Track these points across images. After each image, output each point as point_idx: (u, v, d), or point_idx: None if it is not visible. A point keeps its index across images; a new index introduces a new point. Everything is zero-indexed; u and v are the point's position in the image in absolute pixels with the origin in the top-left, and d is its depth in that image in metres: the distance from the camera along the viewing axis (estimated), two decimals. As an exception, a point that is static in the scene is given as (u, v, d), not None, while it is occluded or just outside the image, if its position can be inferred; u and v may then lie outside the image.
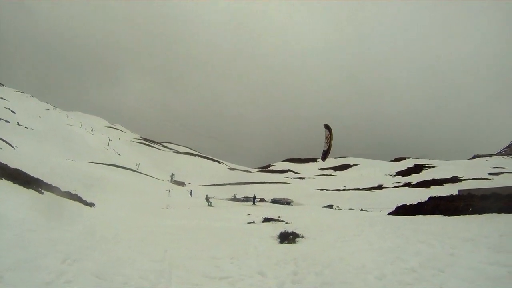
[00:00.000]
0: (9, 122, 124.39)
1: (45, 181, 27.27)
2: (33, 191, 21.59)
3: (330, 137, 21.73)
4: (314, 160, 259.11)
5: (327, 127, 22.05)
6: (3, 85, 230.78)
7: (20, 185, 21.11)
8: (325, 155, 22.36)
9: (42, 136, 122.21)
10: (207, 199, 40.54)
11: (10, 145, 79.39)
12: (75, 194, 28.61)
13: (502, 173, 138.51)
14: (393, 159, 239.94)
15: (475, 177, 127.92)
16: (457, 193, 29.88)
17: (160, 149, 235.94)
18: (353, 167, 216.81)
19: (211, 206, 39.21)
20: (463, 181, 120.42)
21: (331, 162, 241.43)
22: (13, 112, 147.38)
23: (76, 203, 25.83)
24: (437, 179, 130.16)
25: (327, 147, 21.83)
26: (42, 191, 23.08)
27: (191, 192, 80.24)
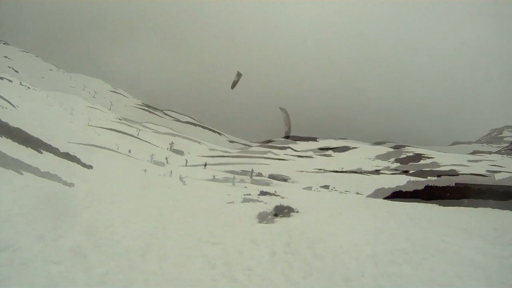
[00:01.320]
0: (12, 81, 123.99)
1: (44, 141, 27.28)
2: (32, 150, 21.67)
3: (288, 118, 22.41)
4: (314, 139, 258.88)
5: (283, 110, 22.74)
6: (8, 44, 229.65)
7: (20, 143, 21.17)
8: (288, 135, 23.18)
9: (44, 96, 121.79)
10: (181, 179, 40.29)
11: (12, 104, 79.20)
12: (73, 155, 28.61)
13: (481, 160, 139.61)
14: (393, 146, 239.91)
15: (473, 172, 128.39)
16: (454, 185, 29.96)
17: (161, 117, 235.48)
18: (352, 149, 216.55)
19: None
20: (460, 175, 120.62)
21: (330, 142, 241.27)
22: (17, 71, 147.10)
23: (75, 164, 25.88)
24: (435, 170, 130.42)
25: (287, 128, 22.51)
26: (41, 150, 23.14)
27: (186, 161, 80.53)
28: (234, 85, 22.62)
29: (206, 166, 78.94)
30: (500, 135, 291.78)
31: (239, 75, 22.53)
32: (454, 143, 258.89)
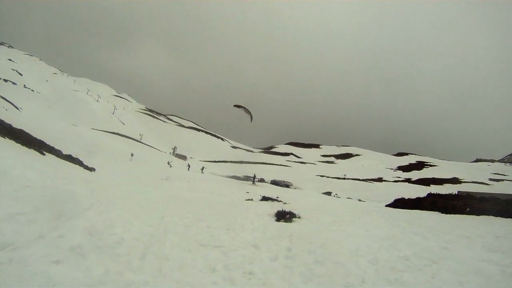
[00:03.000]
0: (16, 84, 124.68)
1: (47, 143, 27.36)
2: (34, 151, 21.72)
3: (246, 109, 23.90)
4: (317, 146, 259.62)
5: (238, 106, 24.20)
6: (12, 47, 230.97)
7: (23, 144, 21.23)
8: (251, 117, 24.85)
9: (47, 100, 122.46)
10: (202, 169, 39.81)
11: (15, 106, 79.57)
12: (76, 158, 28.69)
13: (502, 180, 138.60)
14: (395, 153, 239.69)
15: (475, 180, 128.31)
16: (456, 193, 29.96)
17: (164, 121, 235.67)
18: (355, 157, 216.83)
19: (203, 173, 38.49)
20: (463, 183, 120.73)
21: (333, 150, 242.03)
22: (21, 74, 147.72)
23: (77, 166, 25.92)
24: (437, 178, 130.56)
25: (249, 112, 23.87)
26: (44, 152, 23.20)
27: (188, 166, 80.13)
28: (246, 112, 24.19)
29: (208, 172, 78.84)
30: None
31: (238, 106, 24.07)
32: (477, 160, 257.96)
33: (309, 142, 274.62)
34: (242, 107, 24.39)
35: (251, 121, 25.69)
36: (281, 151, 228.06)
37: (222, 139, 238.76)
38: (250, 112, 24.75)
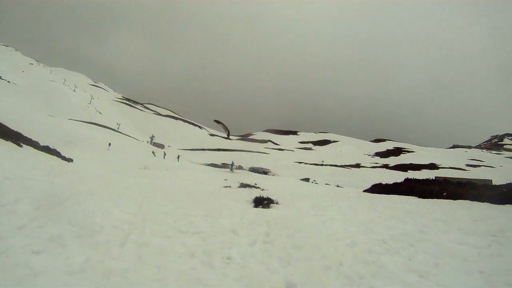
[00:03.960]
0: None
1: (25, 135, 27.11)
2: (12, 143, 21.52)
3: (224, 125, 25.76)
4: (295, 133, 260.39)
5: (217, 121, 26.26)
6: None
7: (0, 137, 21.03)
8: (228, 134, 26.86)
9: (24, 91, 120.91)
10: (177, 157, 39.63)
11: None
12: (54, 149, 28.41)
13: (479, 165, 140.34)
14: (373, 139, 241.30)
15: (452, 166, 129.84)
16: (433, 178, 30.31)
17: (141, 110, 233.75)
18: (332, 143, 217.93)
19: (179, 161, 38.53)
20: (440, 169, 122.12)
21: (311, 136, 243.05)
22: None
23: (55, 157, 25.69)
24: (415, 164, 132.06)
25: (227, 131, 25.75)
26: (21, 144, 23.00)
27: (164, 154, 79.83)
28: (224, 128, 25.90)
29: (186, 160, 78.80)
30: (500, 142, 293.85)
31: (218, 122, 25.84)
32: (454, 146, 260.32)
33: (287, 129, 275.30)
34: (221, 123, 25.81)
35: (227, 137, 27.35)
36: (258, 138, 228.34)
37: (200, 127, 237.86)
38: (227, 129, 26.12)
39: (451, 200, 18.32)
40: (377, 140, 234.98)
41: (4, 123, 26.29)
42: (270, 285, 6.09)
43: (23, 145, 23.03)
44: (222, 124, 25.40)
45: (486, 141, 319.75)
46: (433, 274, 6.55)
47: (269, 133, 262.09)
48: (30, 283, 5.08)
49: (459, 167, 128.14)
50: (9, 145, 20.34)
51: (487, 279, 6.37)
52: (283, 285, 6.12)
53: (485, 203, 16.73)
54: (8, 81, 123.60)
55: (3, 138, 20.96)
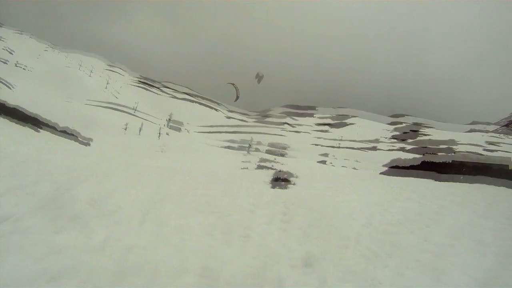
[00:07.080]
0: (7, 63, 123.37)
1: (43, 118, 27.34)
2: (29, 128, 21.84)
3: (235, 87, 25.58)
4: (313, 107, 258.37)
5: (232, 84, 25.99)
6: (2, 25, 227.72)
7: (18, 122, 21.33)
8: (237, 98, 26.81)
9: (40, 76, 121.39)
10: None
11: (8, 85, 79.06)
12: (71, 133, 28.75)
13: (496, 150, 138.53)
14: (391, 114, 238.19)
15: (470, 151, 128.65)
16: (450, 161, 30.09)
17: (158, 94, 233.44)
18: (349, 125, 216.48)
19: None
20: (457, 152, 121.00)
21: (329, 111, 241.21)
22: (11, 52, 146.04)
23: (72, 141, 26.04)
24: (432, 148, 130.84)
25: (237, 93, 25.71)
26: (39, 129, 23.29)
27: (181, 135, 79.95)
28: (259, 80, 25.43)
29: (203, 142, 78.92)
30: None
31: (259, 77, 25.42)
32: (473, 122, 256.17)
33: (306, 104, 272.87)
34: (233, 84, 26.05)
35: (235, 100, 27.29)
36: (276, 116, 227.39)
37: (216, 109, 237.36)
38: (238, 93, 26.28)
39: (467, 183, 18.25)
40: (396, 116, 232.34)
41: (21, 109, 26.60)
42: (287, 263, 6.15)
43: (41, 129, 23.34)
44: (234, 86, 25.92)
45: (505, 118, 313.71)
46: (448, 255, 6.57)
47: (288, 108, 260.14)
48: (50, 261, 5.16)
49: (477, 152, 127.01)
50: (27, 130, 20.67)
51: (502, 261, 6.38)
52: (301, 263, 6.17)
53: (502, 187, 16.68)
54: (24, 68, 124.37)
55: (21, 122, 21.27)
